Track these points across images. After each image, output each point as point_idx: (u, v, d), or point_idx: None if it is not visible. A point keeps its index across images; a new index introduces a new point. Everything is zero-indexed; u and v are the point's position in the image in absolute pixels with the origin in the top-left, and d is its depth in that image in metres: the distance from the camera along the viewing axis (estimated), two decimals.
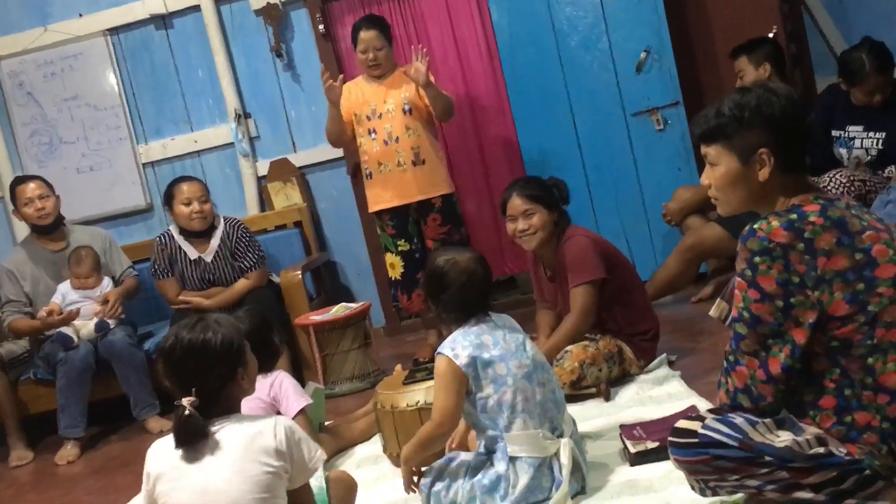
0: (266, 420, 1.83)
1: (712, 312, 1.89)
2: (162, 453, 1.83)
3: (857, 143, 3.50)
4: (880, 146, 3.49)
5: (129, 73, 4.91)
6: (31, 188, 4.04)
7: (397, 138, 3.91)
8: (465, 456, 2.26)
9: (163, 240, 4.10)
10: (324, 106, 4.80)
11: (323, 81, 3.90)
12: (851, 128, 3.52)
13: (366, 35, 3.91)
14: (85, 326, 3.90)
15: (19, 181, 4.14)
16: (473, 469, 2.20)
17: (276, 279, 4.27)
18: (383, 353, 4.36)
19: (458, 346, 2.18)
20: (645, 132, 4.33)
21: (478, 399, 2.17)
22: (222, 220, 4.13)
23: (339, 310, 3.94)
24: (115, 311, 3.96)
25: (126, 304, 4.09)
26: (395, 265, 4.07)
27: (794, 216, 1.62)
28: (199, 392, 1.77)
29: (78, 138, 4.94)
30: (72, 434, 3.81)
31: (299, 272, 4.21)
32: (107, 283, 4.06)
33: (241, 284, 4.04)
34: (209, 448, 1.77)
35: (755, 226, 1.63)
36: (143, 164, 4.95)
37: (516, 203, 3.07)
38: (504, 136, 4.74)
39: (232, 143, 4.87)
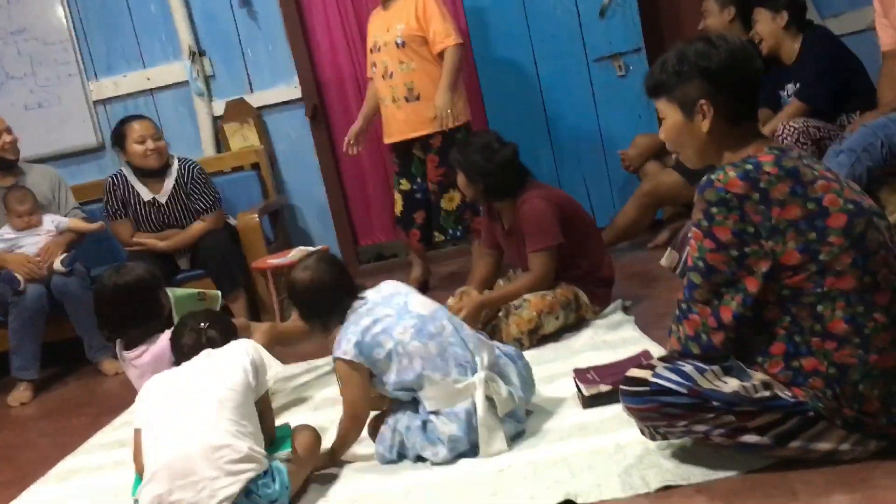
0: (236, 343, 2.22)
1: (663, 262, 1.93)
2: (149, 394, 2.11)
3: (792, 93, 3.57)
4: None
5: (79, 7, 4.75)
6: None
7: (392, 73, 3.84)
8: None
9: (115, 180, 4.01)
10: (281, 44, 4.74)
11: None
12: (788, 86, 3.58)
13: None
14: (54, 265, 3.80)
15: None
16: (407, 408, 2.23)
17: (232, 222, 4.22)
18: None
19: (343, 342, 2.19)
20: (607, 78, 4.32)
21: (384, 379, 2.20)
22: (177, 160, 4.05)
23: (296, 254, 3.89)
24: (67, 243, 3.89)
25: (78, 243, 4.01)
26: (396, 202, 4.08)
27: (749, 166, 1.64)
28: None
29: (26, 74, 4.78)
30: (25, 376, 3.77)
31: (256, 215, 4.17)
32: (49, 220, 3.96)
33: (197, 227, 3.99)
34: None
35: (712, 176, 1.65)
36: (94, 102, 4.82)
37: (451, 161, 3.22)
38: (465, 79, 4.69)
39: (186, 82, 4.76)
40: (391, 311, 2.23)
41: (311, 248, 3.97)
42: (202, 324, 2.25)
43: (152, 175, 3.97)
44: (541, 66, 4.38)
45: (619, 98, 4.31)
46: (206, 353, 2.15)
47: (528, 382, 2.32)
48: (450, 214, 3.95)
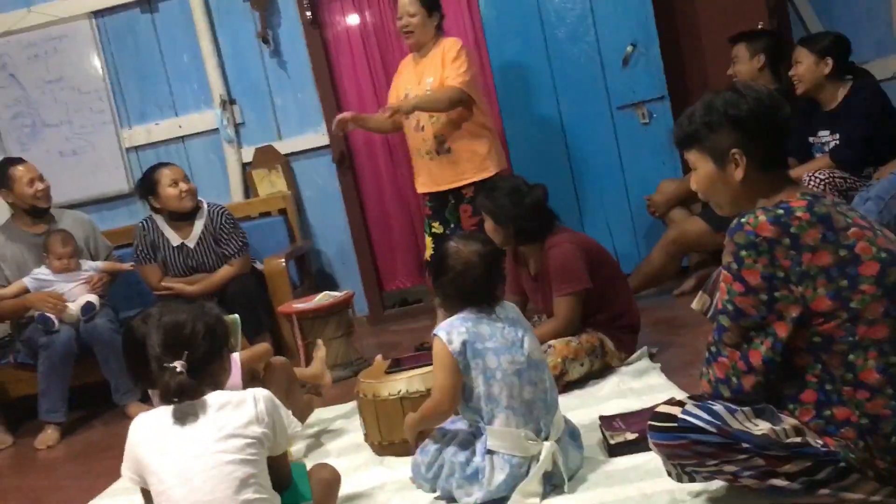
0: (246, 391, 1.89)
1: (694, 305, 1.92)
2: (147, 422, 1.87)
3: (826, 147, 3.53)
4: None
5: (114, 57, 4.88)
6: (30, 168, 4.02)
7: (423, 126, 3.84)
8: (459, 425, 2.27)
9: (145, 225, 4.08)
10: (309, 93, 4.83)
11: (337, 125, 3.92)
12: (821, 132, 3.56)
13: (403, 0, 3.79)
14: (68, 309, 3.86)
15: (11, 162, 4.08)
16: (461, 443, 2.21)
17: (259, 266, 4.26)
18: (366, 342, 4.37)
19: (454, 330, 2.19)
20: (630, 125, 4.34)
21: (465, 387, 2.19)
22: (206, 205, 4.11)
23: (322, 298, 3.94)
24: (103, 283, 3.97)
25: (109, 285, 4.06)
26: (427, 246, 4.07)
27: (780, 211, 1.64)
28: (189, 360, 1.81)
29: (61, 121, 4.90)
30: (53, 418, 3.79)
31: (283, 259, 4.20)
32: (87, 267, 4.03)
33: (225, 271, 4.03)
34: (196, 413, 1.81)
35: (742, 220, 1.65)
36: (127, 149, 4.92)
37: (478, 207, 3.21)
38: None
39: (217, 129, 4.85)
40: (509, 338, 2.22)
41: (335, 293, 4.01)
42: (175, 362, 1.84)
43: (182, 220, 4.03)
44: (565, 115, 4.41)
45: (643, 145, 4.33)
46: (214, 407, 1.83)
47: (580, 458, 2.31)
48: None
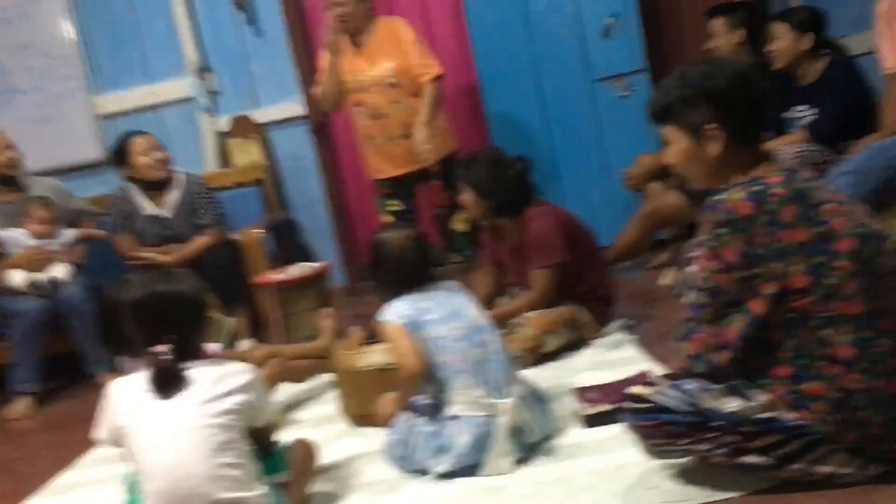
0: (230, 363, 1.96)
1: (663, 281, 1.93)
2: (126, 385, 1.89)
3: (803, 122, 3.54)
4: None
5: (86, 22, 4.77)
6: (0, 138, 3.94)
7: (386, 114, 3.78)
8: (425, 402, 2.30)
9: (120, 194, 4.02)
10: (286, 61, 4.77)
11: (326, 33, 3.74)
12: (798, 107, 3.56)
13: None
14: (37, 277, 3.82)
15: None
16: (428, 416, 2.24)
17: (235, 237, 4.22)
18: (343, 314, 4.34)
19: (395, 311, 2.28)
20: (609, 98, 4.34)
21: None
22: (182, 174, 4.06)
23: (298, 270, 3.92)
24: (77, 253, 3.94)
25: (84, 252, 4.02)
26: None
27: (757, 188, 1.64)
28: (174, 340, 1.85)
29: (32, 88, 4.79)
30: (25, 389, 3.76)
31: (260, 231, 4.17)
32: (64, 235, 3.97)
33: (200, 242, 3.98)
34: (180, 386, 1.85)
35: (720, 197, 1.65)
36: (99, 116, 4.83)
37: (457, 179, 3.18)
38: (469, 97, 4.72)
39: (192, 98, 4.78)
40: (449, 307, 2.29)
41: (312, 265, 3.99)
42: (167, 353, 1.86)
43: (156, 189, 3.98)
44: (544, 86, 4.40)
45: (623, 118, 4.33)
46: (196, 377, 1.87)
47: (550, 423, 2.34)
48: (462, 235, 3.98)
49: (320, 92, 3.94)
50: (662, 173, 4.10)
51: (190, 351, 1.90)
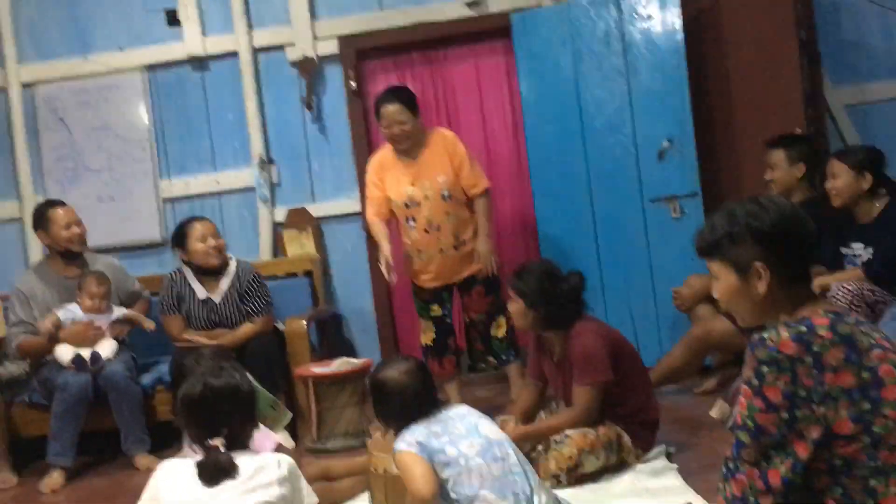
0: (270, 455, 2.06)
1: (713, 413, 1.90)
2: (174, 468, 2.01)
3: (858, 260, 3.51)
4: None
5: (161, 110, 5.01)
6: (69, 212, 4.10)
7: (438, 226, 3.88)
8: None
9: (174, 276, 4.12)
10: (346, 159, 4.92)
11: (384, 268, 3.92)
12: (854, 244, 3.54)
13: (389, 110, 3.81)
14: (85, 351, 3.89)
15: (52, 204, 4.17)
16: None
17: (280, 326, 4.27)
18: None
19: (407, 437, 2.29)
20: (661, 219, 4.36)
21: (440, 483, 2.22)
22: (235, 261, 4.15)
23: (340, 364, 3.94)
24: (123, 331, 4.03)
25: (129, 331, 4.09)
26: (427, 330, 4.07)
27: (803, 328, 1.62)
28: (228, 434, 1.97)
29: (102, 168, 5.01)
30: (60, 462, 3.78)
31: (305, 322, 4.22)
32: (116, 312, 4.07)
33: (246, 329, 4.04)
34: (227, 475, 1.95)
35: (765, 335, 1.63)
36: (164, 199, 5.01)
37: (509, 287, 3.16)
38: (521, 209, 4.79)
39: (253, 188, 4.94)
40: (462, 428, 2.30)
41: (354, 360, 4.00)
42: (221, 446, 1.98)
43: (209, 274, 4.07)
44: (596, 202, 4.44)
45: (674, 239, 4.33)
46: (240, 468, 1.97)
47: None
48: (501, 341, 4.00)
49: (369, 225, 4.09)
50: (712, 296, 4.05)
51: (240, 442, 2.00)
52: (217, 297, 4.08)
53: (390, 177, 3.94)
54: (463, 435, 2.27)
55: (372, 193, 4.00)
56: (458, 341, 4.17)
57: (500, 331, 3.98)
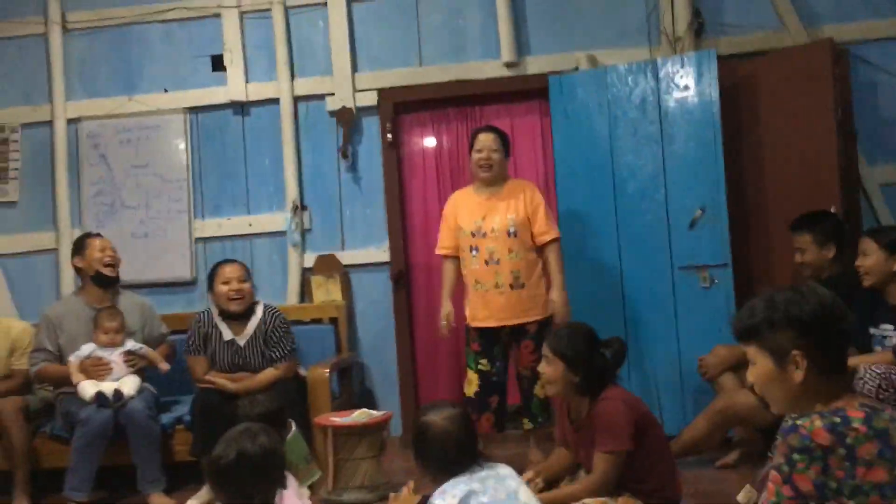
0: None
1: (740, 498, 1.87)
2: None
3: (888, 342, 3.46)
4: None
5: (200, 151, 5.11)
6: (106, 241, 4.23)
7: (499, 260, 3.95)
8: None
9: (201, 318, 4.16)
10: (378, 209, 4.97)
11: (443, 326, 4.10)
12: (884, 326, 3.49)
13: (485, 136, 4.05)
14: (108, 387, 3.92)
15: (90, 235, 4.32)
16: None
17: (303, 372, 4.28)
18: (395, 466, 4.30)
19: (448, 495, 2.24)
20: (690, 287, 4.33)
21: None
22: (262, 306, 4.18)
23: (360, 415, 3.91)
24: (137, 365, 4.04)
25: (144, 367, 4.12)
26: (471, 382, 4.06)
27: (837, 419, 1.61)
28: (259, 498, 2.01)
29: (139, 204, 5.10)
30: (76, 497, 3.78)
31: (327, 370, 4.22)
32: (130, 344, 4.09)
33: (269, 374, 4.05)
34: None
35: (798, 422, 1.62)
36: (196, 239, 5.08)
37: (545, 347, 3.08)
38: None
39: (284, 232, 4.99)
40: (502, 493, 2.25)
41: (373, 412, 3.98)
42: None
43: (236, 318, 4.10)
44: (625, 266, 4.44)
45: (702, 308, 4.30)
46: None
47: None
48: (542, 402, 3.97)
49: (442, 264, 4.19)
50: (738, 366, 4.02)
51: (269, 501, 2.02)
52: (242, 340, 4.10)
53: (465, 208, 4.09)
54: (503, 501, 2.23)
55: (444, 225, 4.16)
56: (503, 401, 4.09)
57: (542, 391, 3.93)
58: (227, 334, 4.11)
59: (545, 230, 4.00)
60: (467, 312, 4.08)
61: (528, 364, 3.96)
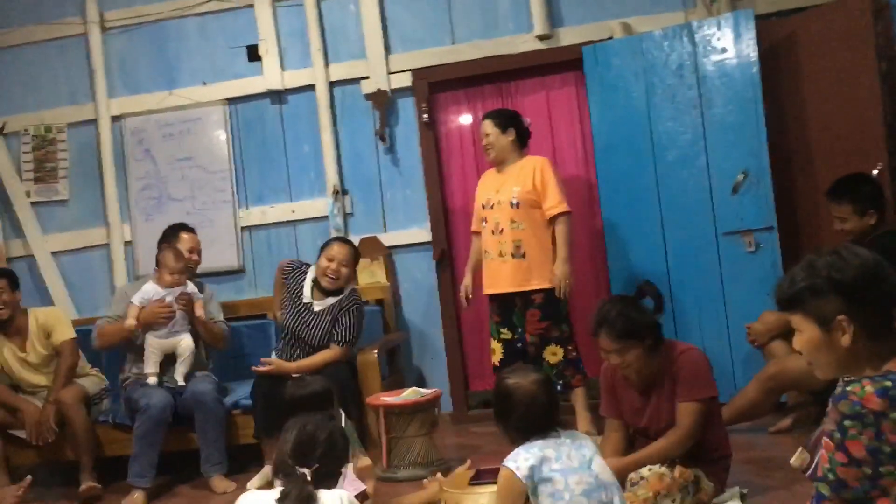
0: (334, 492, 2.15)
1: (793, 461, 1.86)
2: (255, 500, 2.16)
3: None
4: None
5: (241, 141, 5.18)
6: (193, 238, 4.50)
7: (502, 230, 4.10)
8: None
9: (304, 267, 4.27)
10: (418, 190, 5.00)
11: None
12: None
13: (482, 123, 4.24)
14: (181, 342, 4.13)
15: (184, 227, 4.54)
16: None
17: (355, 355, 4.33)
18: (448, 442, 4.36)
19: (521, 458, 2.26)
20: (735, 252, 4.29)
21: None
22: (350, 289, 4.23)
23: (410, 394, 3.97)
24: (190, 307, 4.15)
25: (192, 324, 4.20)
26: (496, 351, 4.22)
27: (888, 383, 1.59)
28: (319, 469, 2.11)
29: (185, 196, 5.20)
30: (140, 483, 3.90)
31: (376, 352, 4.28)
32: (191, 287, 4.20)
33: (325, 354, 4.06)
34: None
35: (848, 388, 1.61)
36: (242, 228, 5.17)
37: (605, 343, 2.97)
38: (592, 242, 4.78)
39: (327, 217, 5.05)
40: (575, 460, 2.27)
41: (423, 391, 4.04)
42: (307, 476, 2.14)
43: (323, 289, 4.16)
44: (668, 235, 4.41)
45: (748, 273, 4.26)
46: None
47: None
48: (552, 368, 4.01)
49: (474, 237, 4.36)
50: (787, 332, 3.98)
51: (326, 480, 2.12)
52: (314, 307, 4.15)
53: (483, 185, 4.30)
54: (575, 468, 2.24)
55: (475, 204, 4.33)
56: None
57: (554, 358, 4.07)
58: (307, 296, 4.18)
59: (553, 204, 4.07)
60: (484, 280, 4.24)
61: (535, 332, 4.08)
